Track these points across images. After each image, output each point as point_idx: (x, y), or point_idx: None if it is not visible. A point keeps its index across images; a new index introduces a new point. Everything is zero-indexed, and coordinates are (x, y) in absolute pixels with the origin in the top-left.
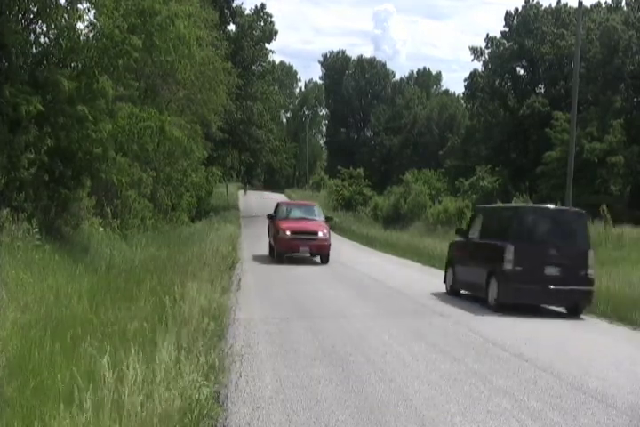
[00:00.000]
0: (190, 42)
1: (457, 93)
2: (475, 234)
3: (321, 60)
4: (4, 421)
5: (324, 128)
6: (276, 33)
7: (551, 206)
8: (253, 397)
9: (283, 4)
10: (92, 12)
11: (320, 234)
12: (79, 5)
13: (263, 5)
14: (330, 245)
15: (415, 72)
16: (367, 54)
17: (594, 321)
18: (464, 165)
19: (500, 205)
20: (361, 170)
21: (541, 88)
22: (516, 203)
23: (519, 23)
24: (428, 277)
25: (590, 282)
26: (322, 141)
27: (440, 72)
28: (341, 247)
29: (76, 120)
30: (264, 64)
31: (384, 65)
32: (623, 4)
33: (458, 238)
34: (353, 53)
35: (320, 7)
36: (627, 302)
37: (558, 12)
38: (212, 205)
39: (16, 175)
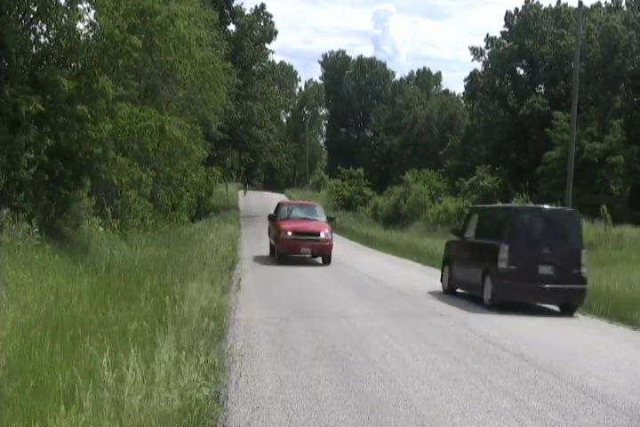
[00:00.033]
0: (190, 42)
1: (457, 93)
2: (470, 234)
3: (321, 60)
4: (4, 421)
5: (324, 128)
6: (275, 33)
7: (545, 206)
8: (253, 397)
9: (283, 3)
10: (92, 12)
11: (322, 235)
12: (79, 5)
13: (263, 5)
14: (332, 245)
15: (415, 72)
16: (367, 54)
17: (594, 321)
18: (464, 165)
19: (494, 205)
20: (361, 170)
21: (541, 88)
22: (515, 203)
23: (519, 23)
24: (428, 277)
25: (583, 281)
26: (322, 141)
27: (440, 72)
28: (341, 247)
29: (76, 120)
30: (264, 64)
31: (384, 65)
32: (623, 4)
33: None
34: (353, 53)
35: (320, 7)
36: (627, 301)
37: (558, 12)
38: (212, 205)
39: (16, 175)
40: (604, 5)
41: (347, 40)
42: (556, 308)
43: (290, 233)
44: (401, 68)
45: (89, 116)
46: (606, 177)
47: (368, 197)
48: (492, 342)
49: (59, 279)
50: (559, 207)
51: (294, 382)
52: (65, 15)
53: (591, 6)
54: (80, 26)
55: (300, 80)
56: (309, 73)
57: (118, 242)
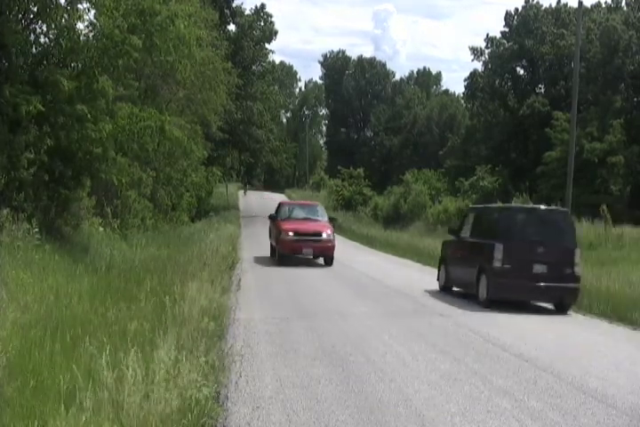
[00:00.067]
0: (190, 42)
1: (457, 93)
2: (466, 233)
3: (321, 60)
4: (4, 421)
5: (324, 128)
6: (275, 33)
7: (539, 206)
8: (253, 397)
9: (283, 3)
10: (92, 12)
11: (324, 235)
12: (79, 5)
13: (263, 5)
14: (334, 246)
15: (415, 72)
16: (367, 54)
17: (594, 321)
18: (464, 165)
19: (489, 205)
20: (361, 170)
21: (541, 88)
22: (516, 203)
23: (519, 23)
24: (428, 277)
25: (576, 279)
26: (322, 141)
27: (440, 72)
28: (341, 247)
29: (76, 120)
30: (264, 64)
31: (384, 65)
32: (623, 4)
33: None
34: (353, 53)
35: (320, 7)
36: (627, 302)
37: (558, 12)
38: (212, 205)
39: (16, 175)
40: (603, 5)
41: (347, 40)
42: (550, 306)
43: (291, 234)
44: (401, 68)
45: (89, 115)
46: (606, 177)
47: (368, 197)
48: (492, 341)
49: (59, 279)
50: (553, 207)
51: (294, 382)
52: (65, 15)
53: (591, 6)
54: (80, 26)
55: (300, 80)
56: (309, 73)
57: (118, 242)
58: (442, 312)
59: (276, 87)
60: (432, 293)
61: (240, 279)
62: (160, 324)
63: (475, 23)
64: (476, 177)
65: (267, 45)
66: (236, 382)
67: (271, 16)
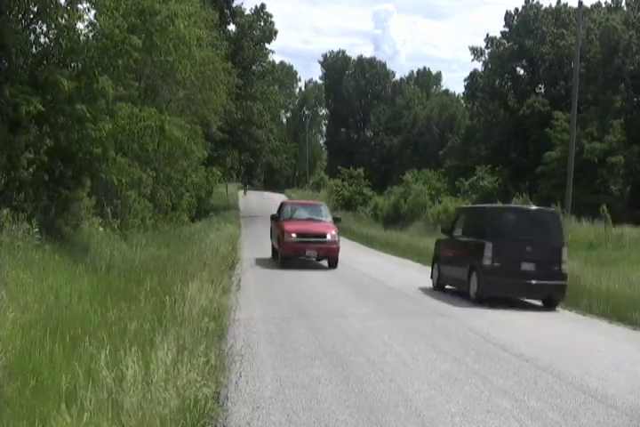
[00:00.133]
0: (190, 42)
1: (457, 93)
2: (458, 232)
3: (321, 60)
4: (4, 421)
5: (324, 128)
6: (275, 33)
7: (528, 207)
8: (253, 397)
9: (283, 3)
10: (92, 12)
11: (328, 236)
12: (79, 5)
13: (263, 5)
14: (339, 248)
15: (415, 72)
16: (367, 54)
17: (594, 321)
18: (464, 165)
19: (480, 205)
20: (361, 170)
21: (541, 88)
22: (516, 203)
23: (519, 23)
24: (428, 278)
25: (564, 277)
26: (322, 141)
27: (440, 72)
28: (342, 247)
29: (76, 120)
30: (264, 64)
31: (384, 65)
32: (623, 4)
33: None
34: (353, 53)
35: (320, 7)
36: (627, 301)
37: (558, 12)
38: (212, 205)
39: (16, 175)
40: (603, 5)
41: (347, 40)
42: (539, 302)
43: (294, 235)
44: (401, 68)
45: (88, 115)
46: (606, 177)
47: (368, 197)
48: (493, 341)
49: (59, 279)
50: (541, 207)
51: (294, 382)
52: (65, 15)
53: (591, 6)
54: (80, 26)
55: (300, 80)
56: (309, 73)
57: (118, 242)
58: (442, 312)
59: (276, 87)
60: (432, 293)
61: (240, 279)
62: (160, 324)
63: (475, 23)
64: (475, 177)
65: (267, 45)
66: (236, 382)
67: (271, 16)
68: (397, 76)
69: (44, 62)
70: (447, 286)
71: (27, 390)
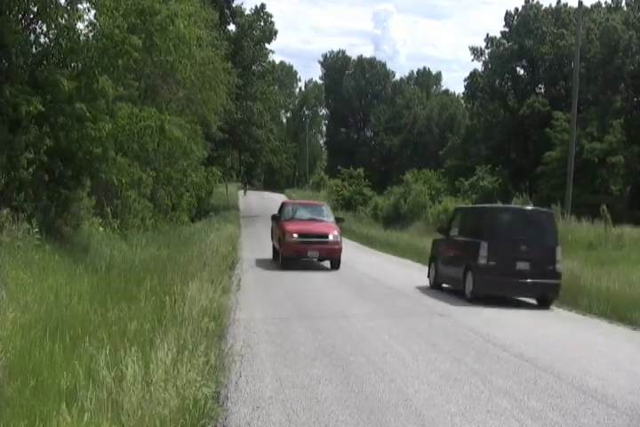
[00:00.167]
0: (190, 42)
1: (457, 93)
2: (454, 232)
3: (321, 60)
4: (4, 421)
5: (324, 128)
6: (275, 33)
7: (524, 207)
8: (253, 397)
9: (283, 3)
10: (92, 12)
11: (330, 237)
12: (79, 5)
13: (263, 5)
14: (341, 249)
15: (415, 72)
16: (367, 54)
17: (594, 321)
18: (464, 165)
19: (475, 205)
20: (361, 170)
21: (541, 88)
22: (515, 203)
23: (519, 23)
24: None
25: (558, 276)
26: (322, 141)
27: (440, 72)
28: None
29: (76, 119)
30: (264, 64)
31: (384, 65)
32: (623, 4)
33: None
34: (353, 53)
35: (320, 7)
36: (627, 301)
37: (558, 12)
38: (212, 205)
39: (16, 175)
40: (603, 5)
41: (347, 40)
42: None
43: (296, 235)
44: (401, 68)
45: (87, 113)
46: (606, 177)
47: (368, 197)
48: (492, 341)
49: (59, 279)
50: (536, 207)
51: (294, 382)
52: (65, 15)
53: (591, 6)
54: (80, 26)
55: (300, 80)
56: (309, 73)
57: (118, 242)
58: (442, 312)
59: (276, 87)
60: (431, 292)
61: (240, 279)
62: (160, 324)
63: (475, 23)
64: (476, 177)
65: (267, 45)
66: (236, 382)
67: (271, 16)
68: (397, 76)
69: (44, 62)
70: (444, 285)
71: (27, 390)
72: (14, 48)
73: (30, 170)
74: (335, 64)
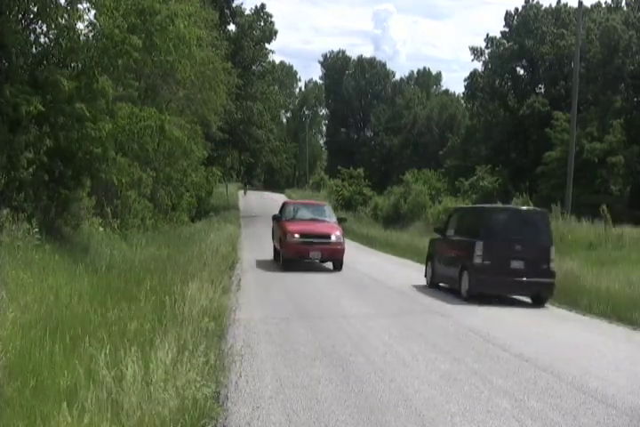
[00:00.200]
0: (190, 42)
1: (457, 93)
2: (451, 232)
3: (321, 60)
4: (4, 421)
5: (324, 128)
6: (275, 33)
7: (518, 207)
8: (253, 397)
9: (283, 3)
10: (92, 12)
11: (333, 237)
12: (79, 5)
13: (263, 5)
14: (344, 249)
15: (415, 72)
16: (367, 54)
17: (594, 321)
18: (464, 165)
19: (471, 205)
20: (361, 170)
21: (541, 88)
22: (516, 203)
23: (519, 23)
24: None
25: (552, 275)
26: (322, 141)
27: (440, 72)
28: None
29: (76, 119)
30: (264, 64)
31: (384, 65)
32: (623, 4)
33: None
34: (353, 53)
35: (320, 7)
36: (627, 301)
37: (558, 12)
38: (212, 205)
39: (16, 175)
40: (603, 5)
41: (347, 40)
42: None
43: (297, 236)
44: (401, 68)
45: (86, 112)
46: (606, 177)
47: (368, 197)
48: (492, 341)
49: (59, 279)
50: (530, 208)
51: (294, 382)
52: (65, 15)
53: (591, 6)
54: (80, 26)
55: (300, 80)
56: (309, 73)
57: (118, 242)
58: (442, 312)
59: (276, 87)
60: (430, 292)
61: (240, 279)
62: (160, 324)
63: (475, 23)
64: (475, 177)
65: (267, 45)
66: (236, 382)
67: (271, 16)
68: (397, 76)
69: (44, 62)
70: (441, 284)
71: (27, 390)
72: (14, 48)
73: (30, 170)
74: (335, 64)
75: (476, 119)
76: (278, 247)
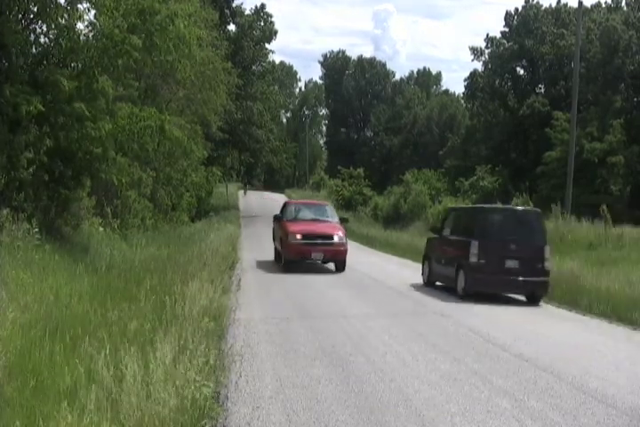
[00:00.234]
0: (190, 42)
1: (457, 93)
2: (447, 232)
3: (321, 60)
4: (4, 421)
5: (324, 128)
6: (275, 33)
7: (513, 207)
8: (253, 397)
9: (283, 3)
10: (92, 12)
11: (335, 238)
12: (79, 5)
13: (263, 5)
14: (347, 250)
15: (415, 72)
16: (367, 54)
17: (594, 321)
18: (464, 165)
19: (467, 205)
20: (361, 170)
21: (541, 88)
22: (515, 203)
23: (519, 23)
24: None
25: (546, 273)
26: (322, 141)
27: (440, 72)
28: None
29: (76, 119)
30: (264, 64)
31: (384, 65)
32: (623, 4)
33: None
34: (353, 53)
35: (320, 7)
36: (627, 301)
37: (558, 12)
38: (212, 205)
39: (16, 175)
40: (603, 5)
41: (347, 40)
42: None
43: (299, 236)
44: (401, 68)
45: (86, 112)
46: (606, 177)
47: (368, 197)
48: (492, 341)
49: (59, 279)
50: (525, 207)
51: (294, 382)
52: (65, 15)
53: (591, 6)
54: (80, 26)
55: (300, 80)
56: (309, 73)
57: (118, 242)
58: (442, 312)
59: (276, 87)
60: (432, 293)
61: (240, 279)
62: (160, 324)
63: (475, 23)
64: (475, 177)
65: (267, 45)
66: (236, 382)
67: (271, 16)
68: (397, 76)
69: (44, 62)
70: (437, 283)
71: (27, 390)
72: (14, 48)
73: (30, 170)
74: (335, 64)
75: (475, 119)
76: (279, 248)
